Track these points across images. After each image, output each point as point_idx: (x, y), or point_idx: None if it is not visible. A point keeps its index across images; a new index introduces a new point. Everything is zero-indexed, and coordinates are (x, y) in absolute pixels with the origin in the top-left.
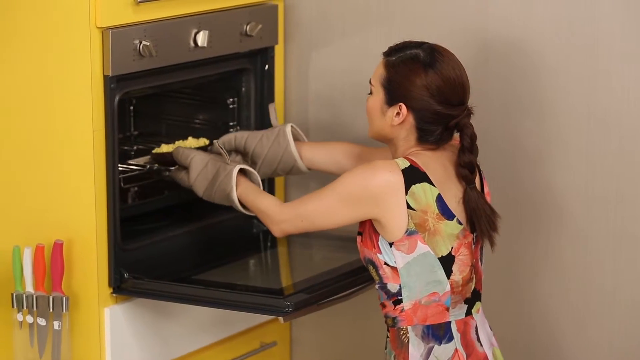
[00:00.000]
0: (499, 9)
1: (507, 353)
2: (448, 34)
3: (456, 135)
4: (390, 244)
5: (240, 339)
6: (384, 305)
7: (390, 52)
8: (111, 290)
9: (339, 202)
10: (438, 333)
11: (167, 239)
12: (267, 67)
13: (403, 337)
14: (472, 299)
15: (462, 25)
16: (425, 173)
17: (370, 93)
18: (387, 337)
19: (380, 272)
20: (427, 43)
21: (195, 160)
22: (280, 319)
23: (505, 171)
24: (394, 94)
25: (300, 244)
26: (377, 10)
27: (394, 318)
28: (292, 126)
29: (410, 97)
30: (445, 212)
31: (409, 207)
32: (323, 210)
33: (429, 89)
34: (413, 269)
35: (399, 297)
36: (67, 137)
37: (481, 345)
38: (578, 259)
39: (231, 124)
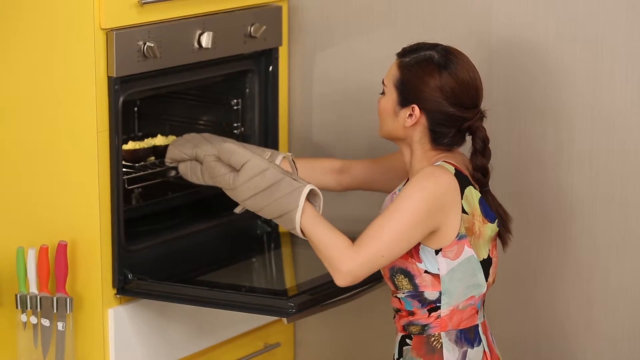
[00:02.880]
0: (503, 11)
1: (516, 352)
2: (452, 36)
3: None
4: (437, 251)
5: (244, 339)
6: (411, 313)
7: (404, 53)
8: (115, 291)
9: (413, 221)
10: (469, 336)
11: (171, 240)
12: (271, 68)
13: (435, 343)
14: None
15: (466, 27)
16: (467, 176)
17: (383, 93)
18: (405, 344)
19: (417, 281)
20: (441, 45)
21: (252, 164)
22: (284, 320)
23: (508, 174)
24: (407, 95)
25: (304, 244)
26: (380, 12)
27: (425, 325)
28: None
29: (424, 99)
30: (488, 215)
31: (463, 211)
32: (400, 237)
33: (443, 91)
34: (456, 274)
35: (437, 305)
36: (72, 138)
37: (495, 346)
38: (588, 259)
39: (235, 125)
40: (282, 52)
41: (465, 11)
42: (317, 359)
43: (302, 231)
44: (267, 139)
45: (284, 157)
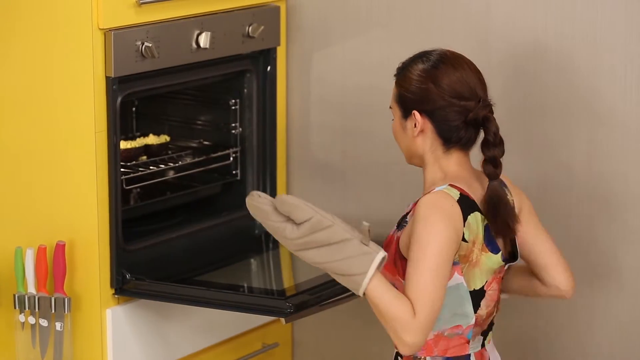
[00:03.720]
0: (501, 11)
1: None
2: (450, 37)
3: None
4: None
5: (242, 340)
6: None
7: (398, 72)
8: (113, 291)
9: (442, 262)
10: None
11: (169, 240)
12: (269, 68)
13: None
14: (487, 330)
15: (464, 28)
16: (474, 201)
17: (393, 119)
18: None
19: None
20: (433, 50)
21: (316, 220)
22: (282, 320)
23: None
24: (406, 105)
25: None
26: (378, 13)
27: None
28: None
29: (421, 101)
30: (490, 244)
31: (463, 238)
32: (440, 281)
33: (438, 86)
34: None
35: None
36: (70, 138)
37: None
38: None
39: (233, 125)
40: (280, 52)
41: (463, 13)
42: (315, 359)
43: (364, 294)
44: (265, 139)
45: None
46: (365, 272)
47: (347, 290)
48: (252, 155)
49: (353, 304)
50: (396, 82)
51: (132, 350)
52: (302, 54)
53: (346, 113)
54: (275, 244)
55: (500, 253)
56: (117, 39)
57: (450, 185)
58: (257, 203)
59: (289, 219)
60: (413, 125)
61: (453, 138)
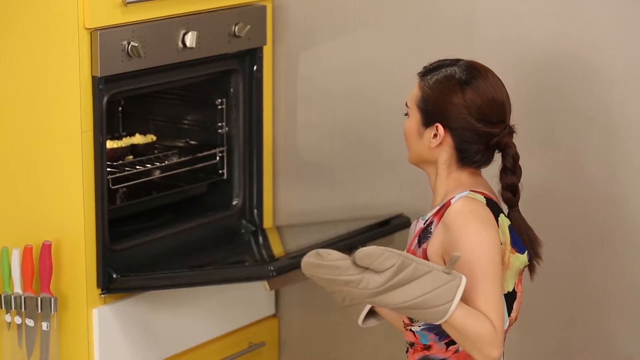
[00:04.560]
0: (486, 12)
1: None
2: (436, 37)
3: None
4: None
5: (229, 339)
6: (427, 347)
7: (425, 72)
8: (100, 291)
9: (498, 267)
10: None
11: (155, 239)
12: (255, 67)
13: None
14: None
15: (450, 28)
16: (497, 203)
17: (407, 115)
18: None
19: None
20: (463, 60)
21: (400, 263)
22: (266, 285)
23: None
24: (430, 114)
25: (291, 238)
26: (365, 12)
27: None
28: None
29: (447, 117)
30: (516, 244)
31: None
32: (501, 288)
33: (467, 107)
34: None
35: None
36: (56, 138)
37: None
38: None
39: (219, 124)
40: (267, 51)
41: (450, 12)
42: (302, 358)
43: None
44: (252, 138)
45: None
46: (450, 301)
47: None
48: (238, 155)
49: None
50: (422, 87)
51: (119, 350)
52: (289, 53)
53: (332, 112)
54: (266, 241)
55: (526, 252)
56: (103, 38)
57: (472, 190)
58: (328, 261)
59: (366, 270)
60: (432, 136)
61: (471, 158)
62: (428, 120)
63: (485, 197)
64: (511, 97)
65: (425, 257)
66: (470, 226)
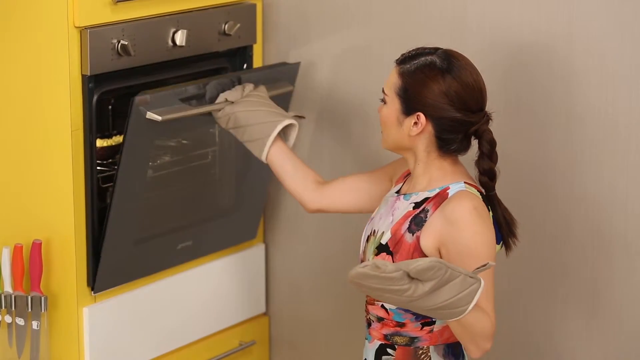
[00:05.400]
0: (477, 8)
1: None
2: (428, 34)
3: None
4: None
5: (219, 337)
6: (400, 325)
7: (404, 60)
8: (90, 289)
9: (493, 260)
10: (456, 351)
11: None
12: (245, 66)
13: (422, 356)
14: None
15: (441, 24)
16: (481, 194)
17: (384, 102)
18: (386, 354)
19: None
20: (441, 48)
21: (442, 274)
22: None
23: (512, 179)
24: (411, 103)
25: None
26: (355, 9)
27: (415, 338)
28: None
29: (429, 105)
30: (497, 235)
31: None
32: (492, 279)
33: (448, 96)
34: None
35: (433, 320)
36: (46, 136)
37: None
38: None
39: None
40: (257, 49)
41: (441, 8)
42: (293, 357)
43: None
44: None
45: (290, 125)
46: (469, 302)
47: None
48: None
49: (330, 301)
50: (402, 75)
51: (109, 348)
52: (278, 52)
53: (323, 110)
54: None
55: (501, 242)
56: (93, 37)
57: (466, 183)
58: (385, 274)
59: (413, 279)
60: (412, 124)
61: (451, 146)
62: (409, 108)
63: (478, 191)
64: (501, 89)
65: (418, 244)
66: (476, 225)
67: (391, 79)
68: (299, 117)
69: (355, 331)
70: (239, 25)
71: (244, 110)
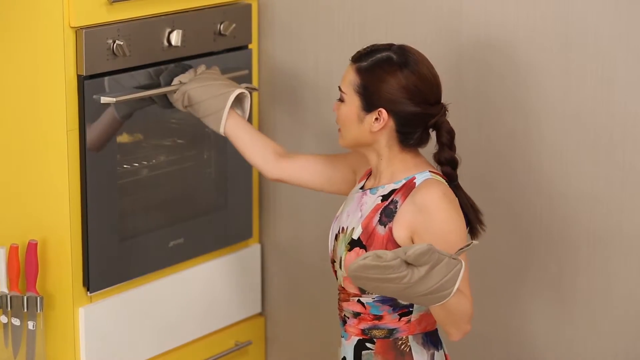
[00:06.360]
0: (472, 9)
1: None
2: (422, 34)
3: None
4: None
5: (216, 337)
6: (378, 318)
7: (359, 57)
8: (85, 289)
9: (465, 240)
10: (434, 339)
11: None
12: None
13: (403, 347)
14: None
15: (436, 25)
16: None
17: (340, 100)
18: (365, 348)
19: None
20: (395, 44)
21: (435, 257)
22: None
23: (479, 173)
24: (371, 99)
25: None
26: (350, 10)
27: (393, 329)
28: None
29: (389, 101)
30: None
31: None
32: (467, 262)
33: (407, 90)
34: None
35: (410, 309)
36: (42, 136)
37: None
38: (558, 256)
39: None
40: (252, 49)
41: (435, 10)
42: (289, 357)
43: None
44: None
45: (241, 93)
46: (453, 285)
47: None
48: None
49: (326, 302)
50: (359, 72)
51: (105, 348)
52: (274, 51)
53: (318, 110)
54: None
55: (468, 228)
56: (89, 37)
57: (431, 172)
58: (385, 262)
59: (409, 265)
60: (373, 120)
61: (412, 140)
62: (369, 105)
63: (443, 178)
64: (481, 95)
65: (391, 235)
66: (447, 211)
67: (348, 77)
68: (251, 89)
69: None
70: (234, 25)
71: (196, 87)
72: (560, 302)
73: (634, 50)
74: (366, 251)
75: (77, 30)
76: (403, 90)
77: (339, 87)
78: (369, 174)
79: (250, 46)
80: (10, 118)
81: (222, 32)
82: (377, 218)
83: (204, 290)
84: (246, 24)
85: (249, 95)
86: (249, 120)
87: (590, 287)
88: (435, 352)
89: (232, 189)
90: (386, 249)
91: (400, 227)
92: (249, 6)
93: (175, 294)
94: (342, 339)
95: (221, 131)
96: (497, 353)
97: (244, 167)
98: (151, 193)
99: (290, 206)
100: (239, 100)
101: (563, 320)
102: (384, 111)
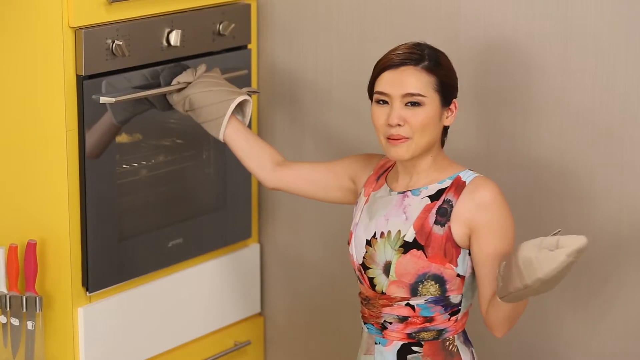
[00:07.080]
0: (471, 9)
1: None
2: (421, 34)
3: None
4: (469, 252)
5: (215, 338)
6: (429, 320)
7: (421, 58)
8: (85, 290)
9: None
10: (468, 337)
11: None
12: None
13: (450, 347)
14: None
15: (435, 25)
16: None
17: (418, 105)
18: (412, 352)
19: (447, 286)
20: (413, 42)
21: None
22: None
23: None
24: (448, 93)
25: None
26: (350, 10)
27: (442, 330)
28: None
29: (457, 89)
30: None
31: None
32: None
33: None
34: (473, 274)
35: (458, 307)
36: (41, 136)
37: None
38: None
39: None
40: (251, 49)
41: (434, 10)
42: (288, 357)
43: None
44: None
45: (244, 100)
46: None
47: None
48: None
49: (326, 302)
50: (431, 71)
51: (104, 349)
52: (273, 51)
53: (316, 110)
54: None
55: None
56: (88, 37)
57: (469, 169)
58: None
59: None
60: (449, 113)
61: (446, 136)
62: (446, 100)
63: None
64: (480, 94)
65: (450, 234)
66: (506, 207)
67: (420, 80)
68: (252, 92)
69: (350, 332)
70: (233, 25)
71: (197, 92)
72: (560, 301)
73: (634, 50)
74: (424, 252)
75: (76, 30)
76: (456, 77)
77: (412, 93)
78: (378, 177)
79: (249, 46)
80: (9, 118)
81: (221, 32)
82: (432, 218)
83: (203, 290)
84: (245, 24)
85: (250, 101)
86: (249, 122)
87: (590, 287)
88: (473, 349)
89: (231, 189)
90: (445, 248)
91: (459, 226)
92: (248, 6)
93: (175, 294)
94: (378, 346)
95: (220, 138)
96: (499, 350)
97: (243, 167)
98: (150, 193)
99: (289, 206)
100: (240, 105)
101: (563, 320)
102: (456, 101)
